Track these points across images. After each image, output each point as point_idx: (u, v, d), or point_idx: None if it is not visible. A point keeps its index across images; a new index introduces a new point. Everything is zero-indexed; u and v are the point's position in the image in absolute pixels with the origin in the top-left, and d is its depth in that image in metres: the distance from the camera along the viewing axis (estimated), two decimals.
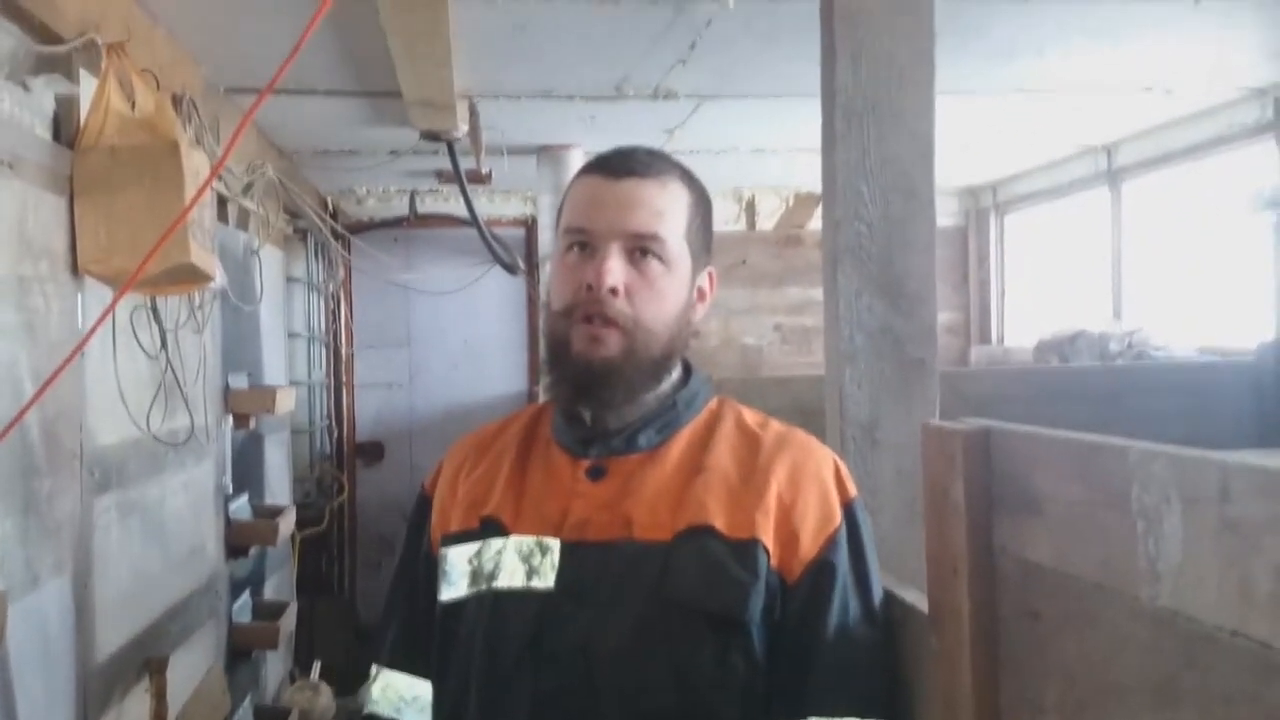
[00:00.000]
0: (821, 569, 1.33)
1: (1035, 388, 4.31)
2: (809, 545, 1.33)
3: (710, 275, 1.47)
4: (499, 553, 1.35)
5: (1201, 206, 5.11)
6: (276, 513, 4.47)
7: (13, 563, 2.28)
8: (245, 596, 4.35)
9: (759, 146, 5.44)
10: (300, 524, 5.18)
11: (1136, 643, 0.97)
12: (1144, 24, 3.48)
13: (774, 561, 1.32)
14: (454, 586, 1.38)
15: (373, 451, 7.05)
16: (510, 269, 6.47)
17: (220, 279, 3.07)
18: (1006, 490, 1.21)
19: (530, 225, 6.87)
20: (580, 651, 1.29)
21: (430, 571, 1.43)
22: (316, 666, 5.02)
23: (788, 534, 1.33)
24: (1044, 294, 6.47)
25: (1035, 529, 1.16)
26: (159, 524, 3.29)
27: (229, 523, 4.06)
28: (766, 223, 6.96)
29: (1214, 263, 4.93)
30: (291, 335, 5.87)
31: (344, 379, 7.01)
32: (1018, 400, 4.23)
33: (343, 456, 6.95)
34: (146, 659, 3.06)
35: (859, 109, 1.96)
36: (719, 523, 1.31)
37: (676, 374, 1.43)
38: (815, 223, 6.60)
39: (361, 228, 6.73)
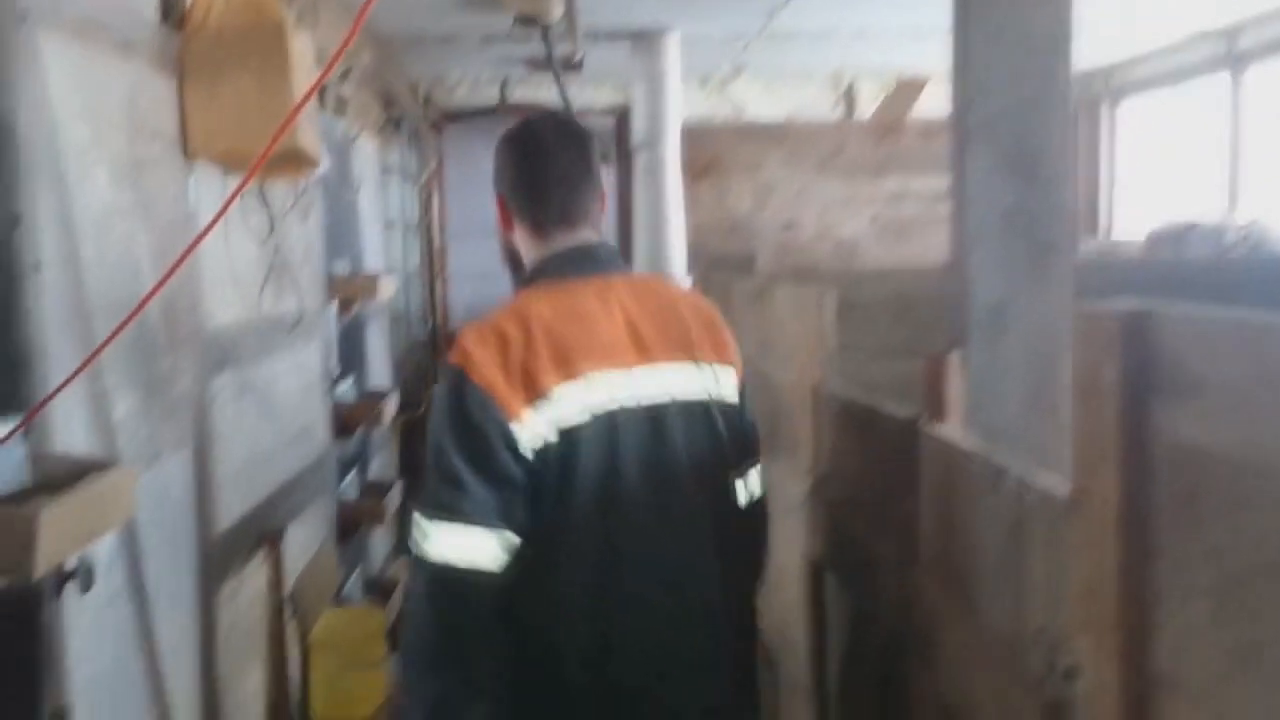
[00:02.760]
0: None
1: (1148, 280, 4.17)
2: None
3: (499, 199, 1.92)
4: None
5: None
6: (380, 396, 4.55)
7: (136, 438, 2.35)
8: (352, 475, 4.46)
9: (861, 29, 5.25)
10: (398, 409, 5.27)
11: None
12: None
13: None
14: None
15: None
16: (602, 158, 6.40)
17: (325, 164, 3.08)
18: (1163, 374, 1.16)
19: (621, 115, 6.76)
20: None
21: None
22: None
23: None
24: (1155, 185, 6.23)
25: (1193, 412, 1.11)
26: (271, 403, 3.36)
27: (335, 404, 4.15)
28: (865, 110, 6.77)
29: None
30: (387, 224, 5.90)
31: (437, 269, 7.05)
32: (1130, 293, 4.10)
33: (437, 345, 7.03)
34: (262, 532, 3.16)
35: None
36: None
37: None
38: (917, 110, 6.41)
39: (452, 117, 6.70)
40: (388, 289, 4.48)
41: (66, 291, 2.00)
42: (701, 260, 5.35)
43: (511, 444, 1.65)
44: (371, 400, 4.46)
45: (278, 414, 3.46)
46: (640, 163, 5.41)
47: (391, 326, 6.01)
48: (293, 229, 3.46)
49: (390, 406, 4.55)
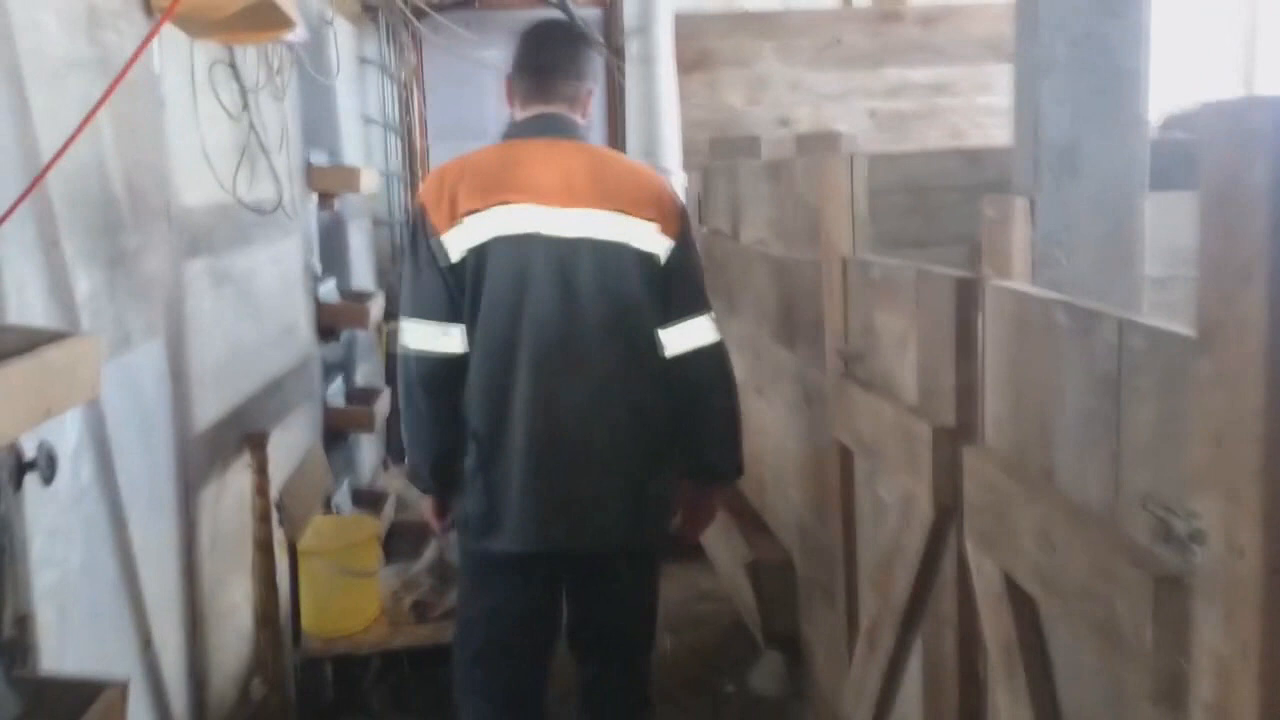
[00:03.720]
0: None
1: (1169, 162, 3.96)
2: None
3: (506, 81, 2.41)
4: None
5: None
6: (364, 297, 4.33)
7: (101, 319, 2.13)
8: (338, 381, 4.25)
9: None
10: (383, 317, 5.03)
11: None
12: None
13: None
14: None
15: None
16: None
17: (302, 31, 2.82)
18: None
19: (609, 4, 6.44)
20: None
21: None
22: None
23: None
24: (1167, 65, 5.98)
25: None
26: (251, 297, 3.14)
27: (319, 304, 3.92)
28: None
29: None
30: (367, 121, 5.61)
31: (419, 172, 6.76)
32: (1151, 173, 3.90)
33: None
34: (246, 433, 2.96)
35: None
36: None
37: None
38: None
39: (431, 8, 6.35)
40: (370, 182, 4.22)
41: (17, 151, 1.77)
42: (698, 153, 5.10)
43: (441, 254, 2.20)
44: (355, 301, 4.23)
45: (259, 309, 3.24)
46: (632, 50, 5.13)
47: (374, 233, 5.75)
48: (267, 108, 3.20)
49: (375, 309, 4.32)
